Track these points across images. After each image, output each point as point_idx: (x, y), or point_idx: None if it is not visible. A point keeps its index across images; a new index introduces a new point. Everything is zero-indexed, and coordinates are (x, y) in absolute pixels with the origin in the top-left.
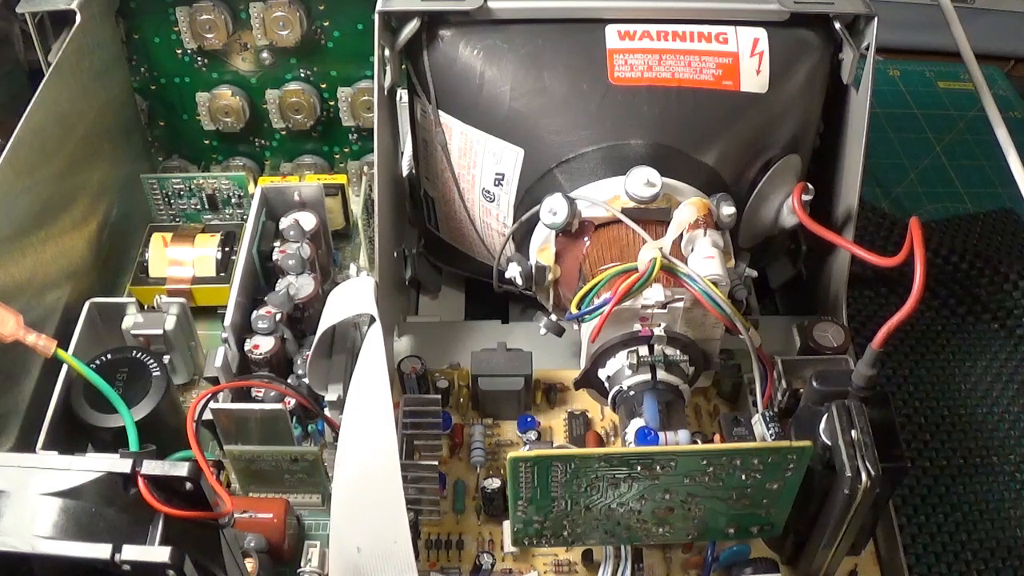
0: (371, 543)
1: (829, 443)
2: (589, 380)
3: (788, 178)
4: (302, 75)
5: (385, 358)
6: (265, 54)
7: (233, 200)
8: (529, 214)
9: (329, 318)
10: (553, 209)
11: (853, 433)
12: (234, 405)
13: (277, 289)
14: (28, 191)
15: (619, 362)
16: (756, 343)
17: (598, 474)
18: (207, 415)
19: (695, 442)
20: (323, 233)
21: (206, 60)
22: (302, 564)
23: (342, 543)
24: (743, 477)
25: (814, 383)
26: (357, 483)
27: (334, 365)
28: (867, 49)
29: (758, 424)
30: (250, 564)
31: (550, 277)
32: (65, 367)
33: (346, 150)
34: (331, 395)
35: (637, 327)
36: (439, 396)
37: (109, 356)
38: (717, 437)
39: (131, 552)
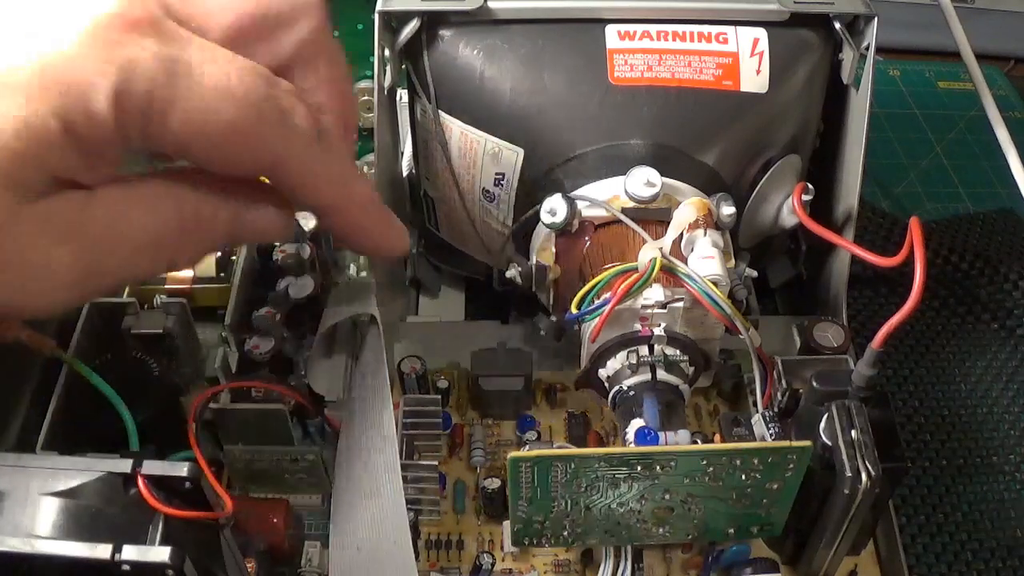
0: (371, 544)
1: (829, 443)
2: (589, 380)
3: (788, 178)
4: None
5: (385, 358)
6: None
7: None
8: (529, 214)
9: (329, 318)
10: (553, 209)
11: (853, 433)
12: (234, 405)
13: (277, 289)
14: None
15: (619, 362)
16: (756, 343)
17: (598, 474)
18: (208, 415)
19: (695, 442)
20: (323, 233)
21: None
22: (302, 564)
23: (342, 544)
24: (743, 477)
25: (814, 383)
26: (357, 483)
27: (334, 365)
28: (867, 49)
29: (758, 424)
30: (250, 564)
31: (550, 277)
32: (65, 367)
33: None
34: (331, 395)
35: (637, 327)
36: (439, 396)
37: (109, 356)
38: (717, 437)
39: (131, 552)
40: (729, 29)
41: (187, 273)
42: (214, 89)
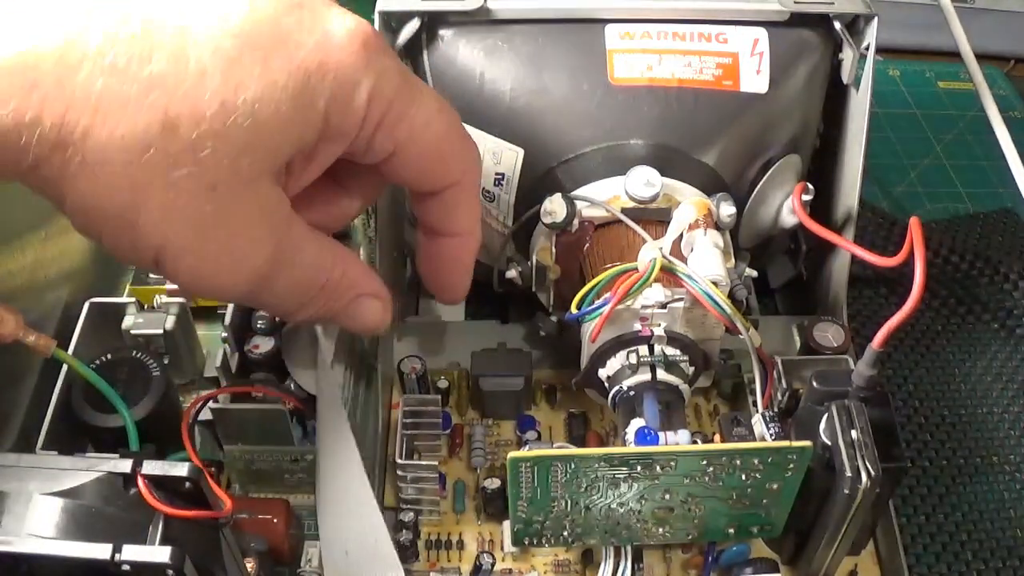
0: (356, 546)
1: (829, 443)
2: (589, 380)
3: (788, 178)
4: None
5: (331, 373)
6: None
7: None
8: (529, 214)
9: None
10: (553, 209)
11: (853, 433)
12: (234, 405)
13: None
14: (29, 191)
15: (619, 362)
16: (756, 343)
17: (598, 474)
18: (207, 415)
19: (695, 442)
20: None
21: None
22: (302, 564)
23: (331, 549)
24: (743, 477)
25: (814, 383)
26: (331, 489)
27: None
28: (867, 49)
29: (758, 424)
30: (250, 564)
31: (550, 277)
32: (65, 367)
33: None
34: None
35: (637, 327)
36: (439, 396)
37: (109, 356)
38: (717, 437)
39: (131, 552)
40: (729, 29)
41: None
42: (433, 107)
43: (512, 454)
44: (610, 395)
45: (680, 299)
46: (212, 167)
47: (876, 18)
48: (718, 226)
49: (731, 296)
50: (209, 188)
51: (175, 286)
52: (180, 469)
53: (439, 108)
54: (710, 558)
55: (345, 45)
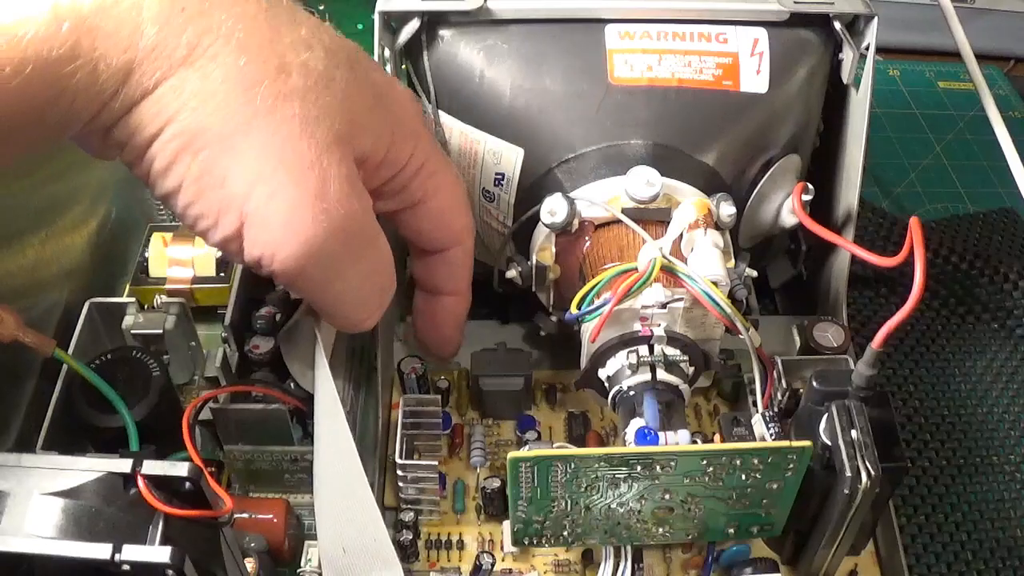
0: (353, 544)
1: (829, 443)
2: (589, 380)
3: (788, 178)
4: None
5: (328, 374)
6: None
7: None
8: (529, 214)
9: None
10: (553, 209)
11: (853, 433)
12: (234, 405)
13: (277, 289)
14: (28, 191)
15: (619, 362)
16: (756, 343)
17: (598, 474)
18: (207, 415)
19: (695, 442)
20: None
21: None
22: (302, 564)
23: (329, 547)
24: (743, 477)
25: (814, 383)
26: (330, 487)
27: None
28: (867, 49)
29: (758, 424)
30: (250, 564)
31: (550, 277)
32: (65, 367)
33: None
34: (308, 384)
35: (637, 327)
36: (439, 396)
37: (109, 356)
38: (717, 437)
39: (131, 552)
40: (729, 29)
41: (187, 273)
42: (455, 172)
43: (512, 454)
44: (610, 395)
45: (680, 299)
46: (313, 117)
47: (876, 18)
48: (718, 226)
49: (731, 296)
50: (309, 135)
51: (176, 286)
52: (180, 469)
53: (458, 175)
54: (710, 558)
55: (403, 93)
